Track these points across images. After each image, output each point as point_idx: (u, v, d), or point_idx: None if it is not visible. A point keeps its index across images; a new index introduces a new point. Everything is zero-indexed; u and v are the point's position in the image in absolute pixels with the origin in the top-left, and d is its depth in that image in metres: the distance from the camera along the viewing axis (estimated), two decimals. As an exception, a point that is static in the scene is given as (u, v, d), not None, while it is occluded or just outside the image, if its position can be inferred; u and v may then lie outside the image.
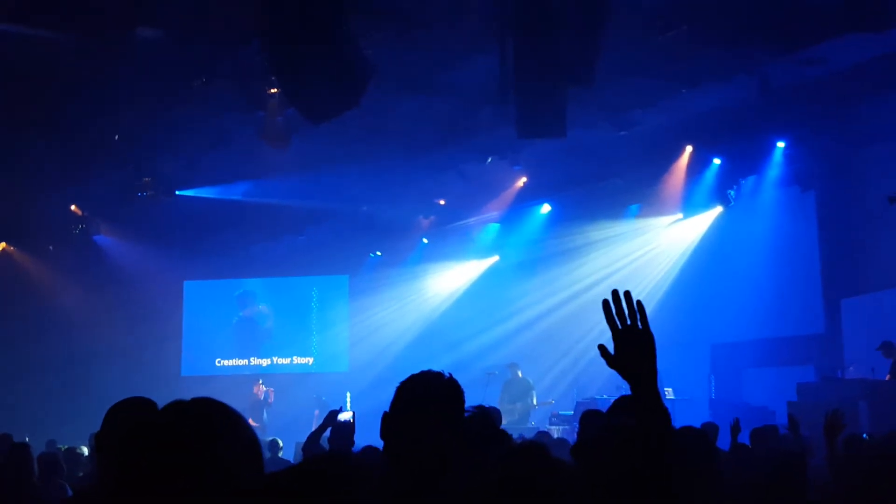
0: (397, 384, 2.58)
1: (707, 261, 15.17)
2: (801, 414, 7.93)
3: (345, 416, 4.79)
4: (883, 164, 12.45)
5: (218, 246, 17.31)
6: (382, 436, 2.51)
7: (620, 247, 16.23)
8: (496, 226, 17.19)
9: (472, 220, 16.91)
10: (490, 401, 11.40)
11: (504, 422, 10.80)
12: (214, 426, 1.73)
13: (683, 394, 12.70)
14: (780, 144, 13.50)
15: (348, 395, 14.57)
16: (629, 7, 9.02)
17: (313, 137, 11.53)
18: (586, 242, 16.26)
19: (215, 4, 9.06)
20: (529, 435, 9.86)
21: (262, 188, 14.89)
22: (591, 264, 16.24)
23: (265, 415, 16.29)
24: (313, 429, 5.85)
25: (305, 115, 9.62)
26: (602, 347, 2.21)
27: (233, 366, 18.73)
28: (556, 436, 9.73)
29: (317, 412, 15.54)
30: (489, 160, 14.02)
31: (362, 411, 5.30)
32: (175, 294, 18.82)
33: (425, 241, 17.82)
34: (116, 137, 12.58)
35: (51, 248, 17.28)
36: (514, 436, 6.90)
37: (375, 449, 4.02)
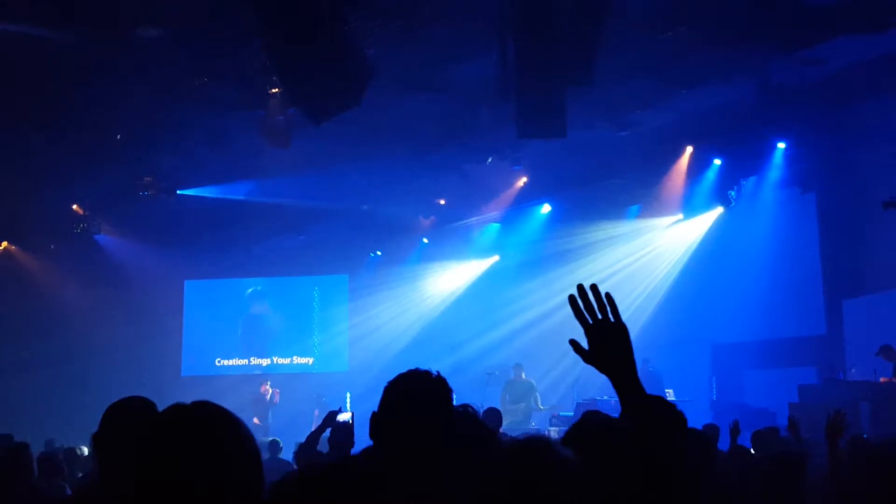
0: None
1: (708, 261, 15.16)
2: (803, 415, 7.93)
3: (344, 416, 4.78)
4: (884, 165, 12.43)
5: (219, 245, 17.31)
6: (372, 436, 2.50)
7: (621, 247, 16.23)
8: (496, 226, 17.20)
9: (472, 219, 16.91)
10: (491, 401, 11.38)
11: (506, 422, 10.79)
12: (215, 433, 1.72)
13: (684, 395, 12.68)
14: (781, 145, 13.50)
15: (348, 395, 14.57)
16: (629, 7, 9.01)
17: (314, 137, 11.52)
18: (587, 243, 16.26)
19: (216, 4, 9.06)
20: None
21: (263, 187, 14.90)
22: (591, 265, 16.23)
23: (270, 415, 16.32)
24: (313, 429, 5.85)
25: (306, 115, 9.62)
26: (574, 343, 2.13)
27: (233, 365, 18.73)
28: (555, 436, 9.71)
29: (316, 412, 15.55)
30: (489, 160, 14.02)
31: (362, 411, 5.29)
32: (176, 293, 18.82)
33: (425, 240, 17.82)
34: (118, 137, 12.58)
35: (52, 246, 17.28)
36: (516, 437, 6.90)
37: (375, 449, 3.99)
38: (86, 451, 8.26)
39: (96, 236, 16.52)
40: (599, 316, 2.11)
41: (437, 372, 2.57)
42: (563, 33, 8.49)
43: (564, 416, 12.88)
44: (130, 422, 2.72)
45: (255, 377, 17.62)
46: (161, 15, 9.33)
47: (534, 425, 13.19)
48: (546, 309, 16.38)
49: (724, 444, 6.41)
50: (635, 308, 15.15)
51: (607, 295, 2.12)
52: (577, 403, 13.06)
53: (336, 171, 14.02)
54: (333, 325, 18.58)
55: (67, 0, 8.87)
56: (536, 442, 1.83)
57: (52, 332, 17.22)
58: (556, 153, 13.10)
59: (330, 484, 1.88)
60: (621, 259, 16.23)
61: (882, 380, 10.74)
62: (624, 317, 2.17)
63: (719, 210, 14.83)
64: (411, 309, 18.02)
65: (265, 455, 10.52)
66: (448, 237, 17.42)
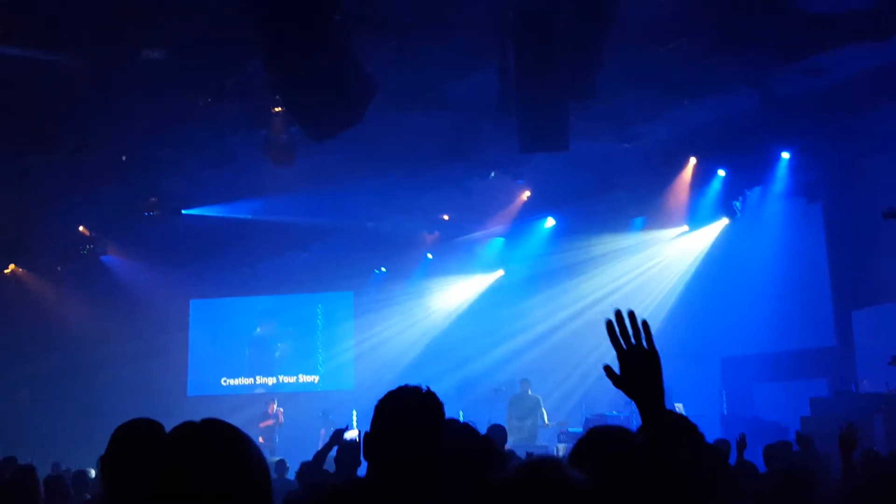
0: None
1: (714, 273, 15.09)
2: (815, 429, 7.84)
3: (350, 434, 4.75)
4: (890, 173, 12.39)
5: (224, 264, 17.33)
6: (366, 456, 2.49)
7: (626, 260, 16.17)
8: (500, 240, 17.18)
9: (476, 234, 16.90)
10: (498, 418, 11.29)
11: (511, 440, 10.68)
12: (225, 450, 1.72)
13: (694, 409, 12.56)
14: (785, 155, 13.47)
15: (354, 412, 14.49)
16: (630, 19, 9.01)
17: (317, 154, 11.55)
18: (592, 256, 16.21)
19: (218, 24, 9.10)
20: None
21: (267, 206, 14.91)
22: (597, 278, 16.19)
23: (277, 436, 16.27)
24: (319, 448, 5.82)
25: (308, 133, 9.64)
26: (608, 368, 2.19)
27: (239, 385, 18.69)
28: (561, 453, 9.62)
29: (323, 431, 15.47)
30: (492, 174, 14.02)
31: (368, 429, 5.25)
32: (181, 312, 18.83)
33: (430, 256, 17.80)
34: (123, 158, 12.64)
35: (59, 268, 17.32)
36: (523, 456, 6.83)
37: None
38: (93, 473, 8.24)
39: (103, 257, 16.58)
40: (633, 342, 2.16)
41: (427, 387, 2.56)
42: (564, 47, 8.50)
43: (573, 433, 12.77)
44: (137, 444, 2.72)
45: (261, 396, 17.57)
46: (164, 36, 9.38)
47: (543, 444, 13.04)
48: (553, 323, 16.33)
49: (733, 458, 6.33)
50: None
51: (643, 322, 2.18)
52: (586, 419, 12.96)
53: (339, 188, 14.03)
54: (339, 342, 18.55)
55: (72, 23, 8.91)
56: (544, 462, 1.80)
57: (60, 353, 17.23)
58: (559, 167, 13.10)
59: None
60: (627, 272, 16.17)
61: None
62: (631, 331, 2.18)
63: (724, 221, 14.78)
64: (417, 325, 17.98)
65: (272, 475, 10.49)
66: (452, 252, 17.41)
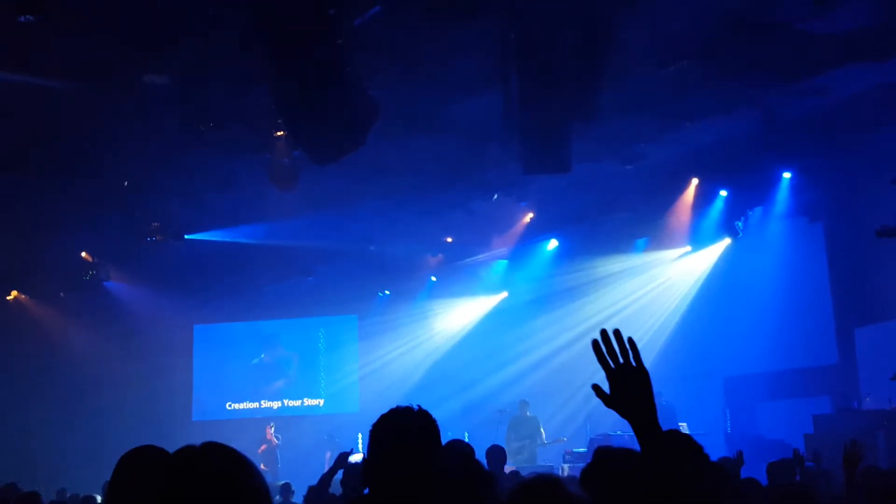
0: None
1: (717, 293, 15.10)
2: (819, 446, 7.83)
3: (356, 457, 4.76)
4: (891, 193, 12.42)
5: (228, 289, 17.34)
6: (366, 483, 2.50)
7: (629, 281, 16.19)
8: (504, 262, 17.19)
9: (480, 257, 16.92)
10: (503, 439, 11.27)
11: (511, 461, 10.63)
12: (227, 473, 1.73)
13: (698, 428, 12.54)
14: (787, 175, 13.52)
15: (360, 436, 14.45)
16: (631, 42, 9.08)
17: (320, 178, 11.59)
18: (595, 277, 16.22)
19: (220, 49, 9.17)
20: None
21: (270, 230, 14.95)
22: (600, 300, 16.19)
23: (279, 460, 16.20)
24: (325, 471, 5.81)
25: (311, 157, 9.69)
26: (597, 387, 2.20)
27: (244, 409, 18.66)
28: (566, 473, 9.58)
29: (328, 454, 15.42)
30: (495, 197, 14.06)
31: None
32: (185, 338, 18.82)
33: (434, 279, 17.81)
34: (125, 183, 12.68)
35: (62, 294, 17.33)
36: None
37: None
38: (99, 499, 8.22)
39: (106, 283, 16.58)
40: (621, 360, 2.16)
41: (419, 406, 2.59)
42: (566, 69, 8.55)
43: (578, 453, 12.73)
44: (142, 471, 2.75)
45: (261, 421, 17.53)
46: (166, 62, 9.46)
47: (548, 465, 12.96)
48: (557, 345, 16.31)
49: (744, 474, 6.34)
50: (645, 342, 15.05)
51: (629, 340, 2.18)
52: (591, 439, 12.92)
53: (343, 211, 14.08)
54: (343, 365, 18.52)
55: (74, 48, 8.99)
56: (544, 480, 1.81)
57: (64, 379, 17.22)
58: (562, 188, 13.14)
59: None
60: (630, 293, 16.17)
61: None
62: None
63: (727, 241, 14.81)
64: (421, 347, 17.97)
65: (277, 498, 10.44)
66: (456, 275, 17.42)
